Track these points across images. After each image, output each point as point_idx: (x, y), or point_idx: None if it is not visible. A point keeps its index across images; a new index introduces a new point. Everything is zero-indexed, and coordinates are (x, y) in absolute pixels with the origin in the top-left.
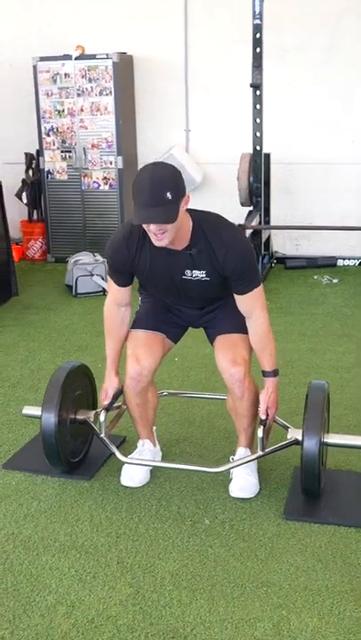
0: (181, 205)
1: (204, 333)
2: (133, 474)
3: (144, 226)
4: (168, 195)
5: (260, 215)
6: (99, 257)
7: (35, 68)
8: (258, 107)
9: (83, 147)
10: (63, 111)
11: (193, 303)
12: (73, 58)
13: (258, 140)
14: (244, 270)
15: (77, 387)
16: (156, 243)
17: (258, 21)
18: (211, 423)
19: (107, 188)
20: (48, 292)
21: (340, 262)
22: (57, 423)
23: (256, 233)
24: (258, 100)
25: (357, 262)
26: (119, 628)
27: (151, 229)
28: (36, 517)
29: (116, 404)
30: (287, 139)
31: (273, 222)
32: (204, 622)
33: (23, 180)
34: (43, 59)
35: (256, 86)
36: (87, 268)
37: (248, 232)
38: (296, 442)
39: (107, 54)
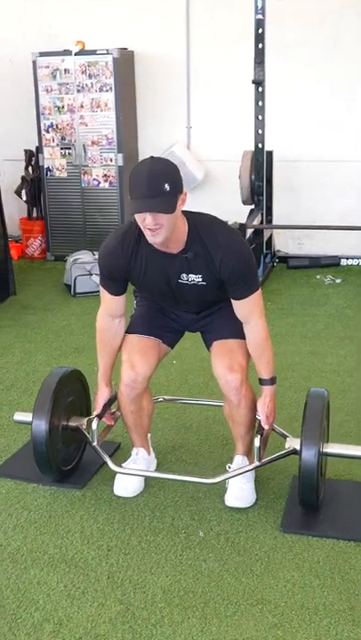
0: (179, 201)
1: (201, 338)
2: (127, 483)
3: (139, 221)
4: (166, 186)
5: (262, 214)
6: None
7: (34, 63)
8: (260, 104)
9: (83, 143)
10: (63, 107)
11: (189, 307)
12: (73, 53)
13: (260, 138)
14: (241, 274)
15: (70, 393)
16: (151, 239)
17: (260, 16)
18: (208, 429)
19: (107, 185)
20: (46, 291)
21: (343, 262)
22: (48, 430)
23: (258, 232)
24: (260, 96)
25: None
26: None
27: (147, 223)
28: (26, 528)
29: (109, 411)
30: (290, 136)
31: (276, 221)
32: None
33: (23, 177)
34: (42, 54)
35: (258, 83)
36: (86, 267)
37: (249, 231)
38: (294, 451)
39: (107, 50)
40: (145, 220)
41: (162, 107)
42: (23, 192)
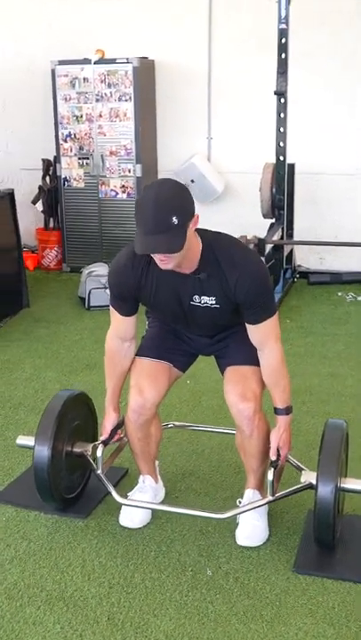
0: (189, 227)
1: (215, 362)
2: (133, 514)
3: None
4: (174, 219)
5: (283, 228)
6: None
7: (53, 71)
8: (282, 115)
9: (101, 154)
10: (81, 117)
11: (203, 331)
12: (92, 62)
13: (281, 150)
14: (257, 297)
15: (75, 417)
16: (162, 266)
17: (284, 26)
18: (221, 456)
19: (124, 196)
20: (60, 304)
21: None
22: (50, 457)
23: (278, 247)
24: (282, 107)
25: None
26: None
27: (156, 255)
28: (24, 561)
29: (118, 435)
30: (313, 148)
31: (298, 235)
32: None
33: (40, 187)
34: (61, 62)
35: (280, 94)
36: (101, 280)
37: (269, 246)
38: (310, 486)
39: (127, 59)
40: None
41: (182, 117)
42: (40, 202)
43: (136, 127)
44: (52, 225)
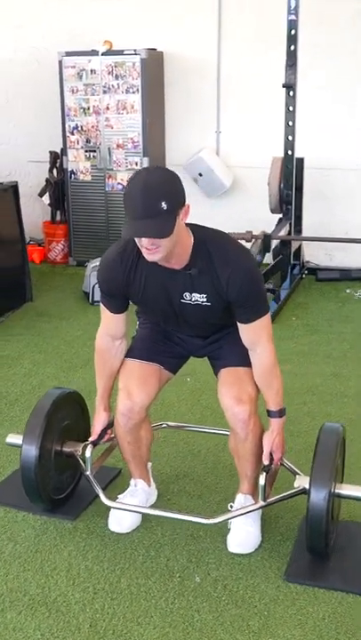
0: (179, 217)
1: (209, 363)
2: (122, 518)
3: (136, 239)
4: (163, 204)
5: (291, 224)
6: None
7: (60, 63)
8: (290, 108)
9: (108, 146)
10: (88, 109)
11: (194, 331)
12: (100, 53)
13: (290, 144)
14: (250, 295)
15: (65, 416)
16: (148, 257)
17: (293, 17)
18: (217, 457)
19: None
20: (65, 298)
21: None
22: (38, 456)
23: (285, 242)
24: (291, 101)
25: None
26: None
27: (143, 243)
28: (9, 563)
29: (108, 436)
30: (323, 142)
31: (307, 230)
32: None
33: (47, 180)
34: (69, 54)
35: (289, 86)
36: None
37: (275, 242)
38: (304, 491)
39: (134, 50)
40: (141, 240)
41: (191, 110)
42: (47, 195)
43: (143, 120)
44: (58, 218)
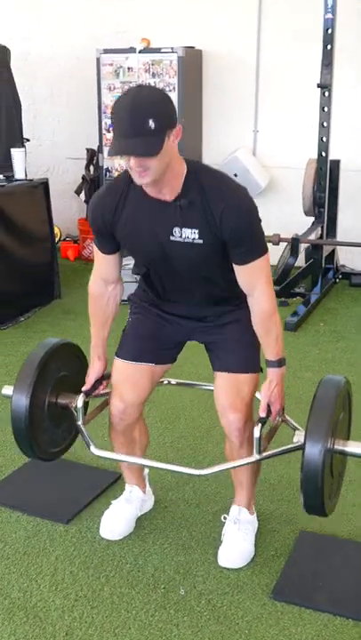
0: (169, 138)
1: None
2: (113, 525)
3: (125, 163)
4: (150, 123)
5: (323, 227)
6: None
7: (98, 60)
8: (325, 109)
9: None
10: None
11: (186, 286)
12: (137, 51)
13: (324, 146)
14: (245, 232)
15: (62, 367)
16: (138, 180)
17: (330, 15)
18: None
19: None
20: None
21: None
22: (29, 405)
23: (316, 246)
24: (326, 101)
25: None
26: None
27: (132, 165)
28: None
29: (102, 392)
30: None
31: (342, 234)
32: None
33: (83, 177)
34: (107, 51)
35: (324, 87)
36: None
37: (304, 245)
38: (301, 447)
39: (172, 48)
40: (130, 162)
41: (229, 108)
42: (83, 192)
43: (179, 118)
44: None
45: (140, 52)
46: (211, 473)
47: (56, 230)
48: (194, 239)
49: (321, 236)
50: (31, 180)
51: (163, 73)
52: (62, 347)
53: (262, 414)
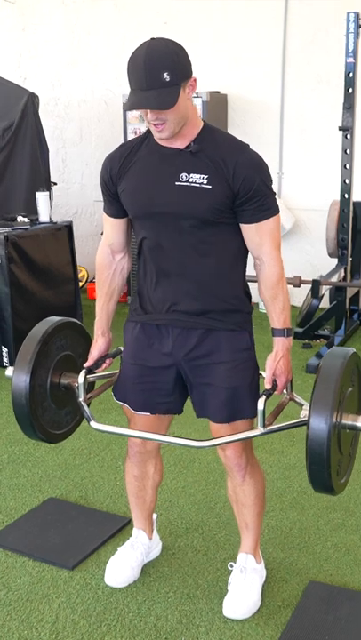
0: (184, 90)
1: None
2: (118, 572)
3: (143, 116)
4: (165, 75)
5: (346, 269)
6: None
7: (124, 105)
8: (348, 152)
9: None
10: None
11: (181, 265)
12: None
13: (346, 188)
14: (257, 186)
15: (66, 346)
16: (157, 135)
17: (351, 59)
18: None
19: None
20: (117, 337)
21: None
22: (30, 383)
23: (340, 288)
24: (348, 144)
25: None
26: None
27: (149, 118)
28: None
29: (106, 372)
30: None
31: None
32: None
33: None
34: None
35: (346, 129)
36: None
37: (325, 287)
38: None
39: (197, 93)
40: (147, 115)
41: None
42: None
43: None
44: None
45: None
46: (211, 445)
47: (83, 272)
48: (202, 184)
49: (344, 278)
50: (55, 223)
51: None
52: (66, 325)
53: (268, 386)
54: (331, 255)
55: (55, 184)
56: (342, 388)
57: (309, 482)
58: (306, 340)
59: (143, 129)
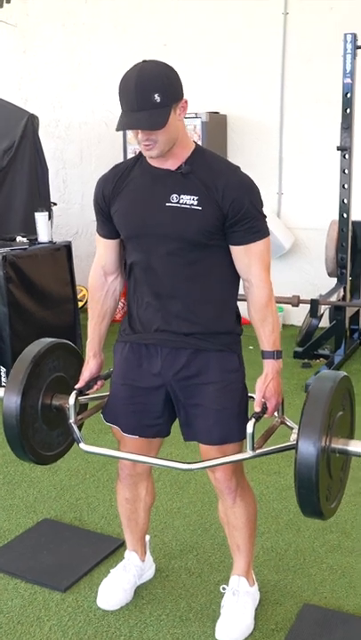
0: (175, 111)
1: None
2: (109, 596)
3: (133, 135)
4: (156, 97)
5: (345, 288)
6: None
7: None
8: (346, 171)
9: None
10: None
11: (172, 288)
12: None
13: (345, 208)
14: (246, 208)
15: (58, 367)
16: (146, 153)
17: (348, 80)
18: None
19: None
20: (107, 359)
21: None
22: (21, 403)
23: (339, 308)
24: (346, 164)
25: None
26: None
27: (140, 139)
28: None
29: (98, 394)
30: None
31: None
32: None
33: None
34: None
35: (344, 149)
36: None
37: (324, 307)
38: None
39: (195, 114)
40: (138, 136)
41: (253, 172)
42: None
43: None
44: None
45: None
46: (199, 467)
47: (84, 292)
48: (192, 205)
49: (343, 298)
50: (54, 243)
51: None
52: (58, 346)
53: (257, 409)
54: (330, 275)
55: (55, 204)
56: (331, 412)
57: (299, 506)
58: (305, 360)
59: None
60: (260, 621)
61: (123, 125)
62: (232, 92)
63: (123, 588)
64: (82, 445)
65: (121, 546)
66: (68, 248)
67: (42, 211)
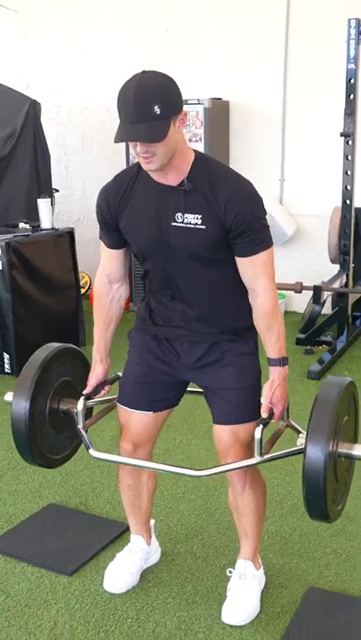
0: (175, 123)
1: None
2: (116, 578)
3: (131, 147)
4: (156, 109)
5: (347, 275)
6: None
7: None
8: (349, 157)
9: None
10: None
11: (183, 282)
12: None
13: (348, 194)
14: (249, 220)
15: (65, 372)
16: (145, 166)
17: (352, 66)
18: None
19: None
20: (118, 344)
21: None
22: (30, 409)
23: (341, 294)
24: (350, 150)
25: None
26: None
27: (138, 151)
28: None
29: (104, 398)
30: None
31: None
32: None
33: None
34: None
35: (347, 135)
36: None
37: (327, 293)
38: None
39: (198, 100)
40: (136, 148)
41: (255, 158)
42: None
43: None
44: None
45: None
46: (208, 474)
47: (86, 278)
48: (196, 224)
49: (346, 284)
50: (57, 230)
51: (189, 123)
52: (65, 351)
53: (264, 414)
54: (333, 261)
55: (57, 191)
56: (339, 417)
57: (306, 510)
58: (308, 347)
59: None
60: (266, 604)
61: (121, 137)
62: (234, 78)
63: (129, 572)
64: (91, 451)
65: (126, 530)
66: (70, 234)
67: (44, 197)
